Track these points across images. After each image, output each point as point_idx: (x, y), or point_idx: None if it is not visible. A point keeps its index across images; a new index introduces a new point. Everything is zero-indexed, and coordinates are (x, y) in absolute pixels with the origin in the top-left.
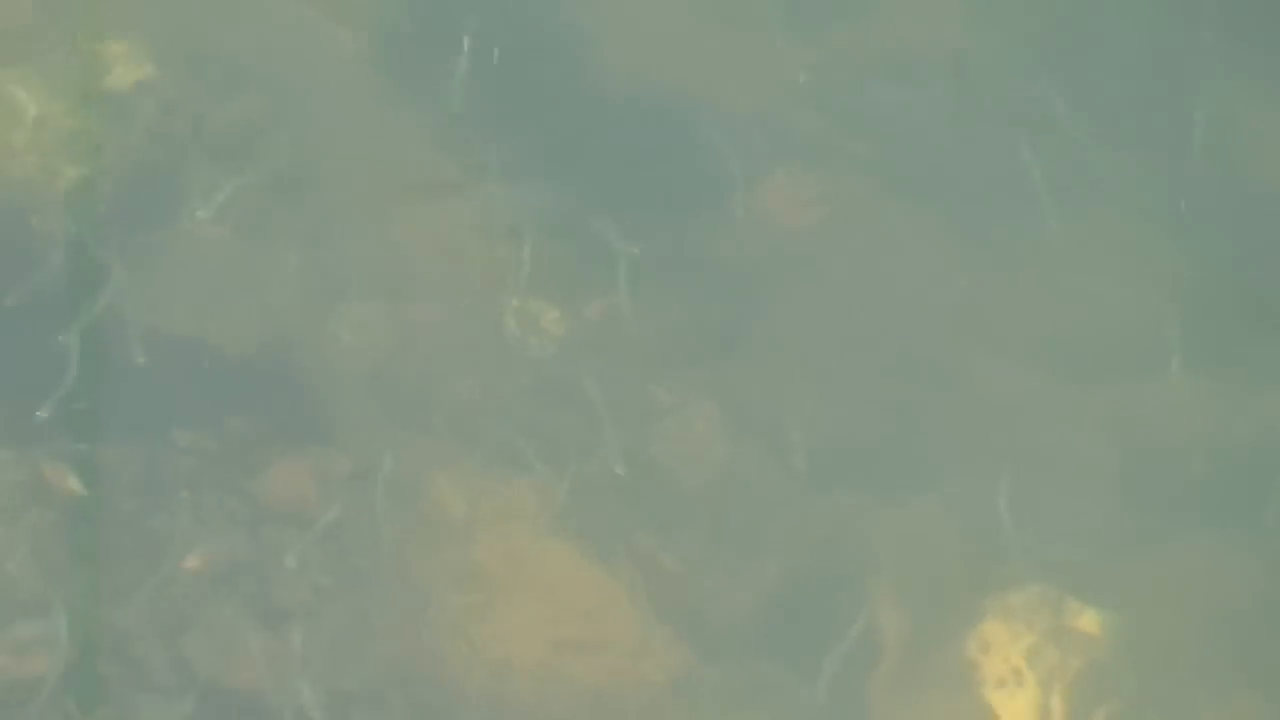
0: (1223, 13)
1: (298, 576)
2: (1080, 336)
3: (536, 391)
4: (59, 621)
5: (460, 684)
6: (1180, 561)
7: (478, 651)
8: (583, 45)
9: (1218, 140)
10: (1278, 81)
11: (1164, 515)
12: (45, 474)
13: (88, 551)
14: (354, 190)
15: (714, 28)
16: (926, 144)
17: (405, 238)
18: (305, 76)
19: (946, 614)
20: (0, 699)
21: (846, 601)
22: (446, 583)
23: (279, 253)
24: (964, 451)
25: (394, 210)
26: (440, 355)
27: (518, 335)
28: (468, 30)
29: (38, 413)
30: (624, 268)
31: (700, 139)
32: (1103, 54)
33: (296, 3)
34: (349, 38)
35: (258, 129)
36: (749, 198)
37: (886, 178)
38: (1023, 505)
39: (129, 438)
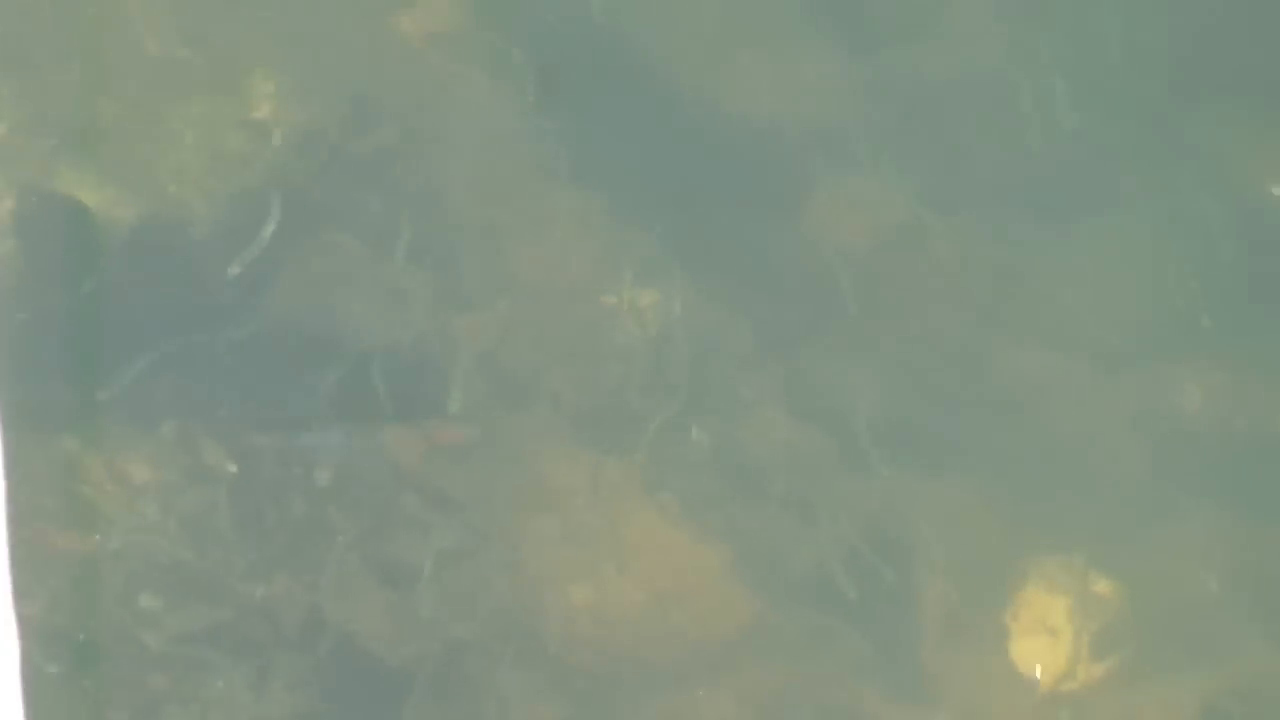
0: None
1: (420, 540)
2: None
3: (628, 378)
4: (211, 583)
5: (563, 633)
6: (1192, 536)
7: (579, 604)
8: (657, 75)
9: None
10: None
11: (1181, 494)
12: (204, 455)
13: (239, 523)
14: (474, 209)
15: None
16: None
17: (517, 247)
18: (431, 112)
19: (986, 579)
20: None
21: (896, 565)
22: (549, 544)
23: (407, 262)
24: (1001, 434)
25: (507, 224)
26: (544, 346)
27: (612, 331)
28: (573, 63)
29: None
30: (699, 275)
31: (757, 156)
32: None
33: (421, 47)
34: (473, 75)
35: (386, 157)
36: (808, 214)
37: (934, 193)
38: (1050, 483)
39: (270, 416)
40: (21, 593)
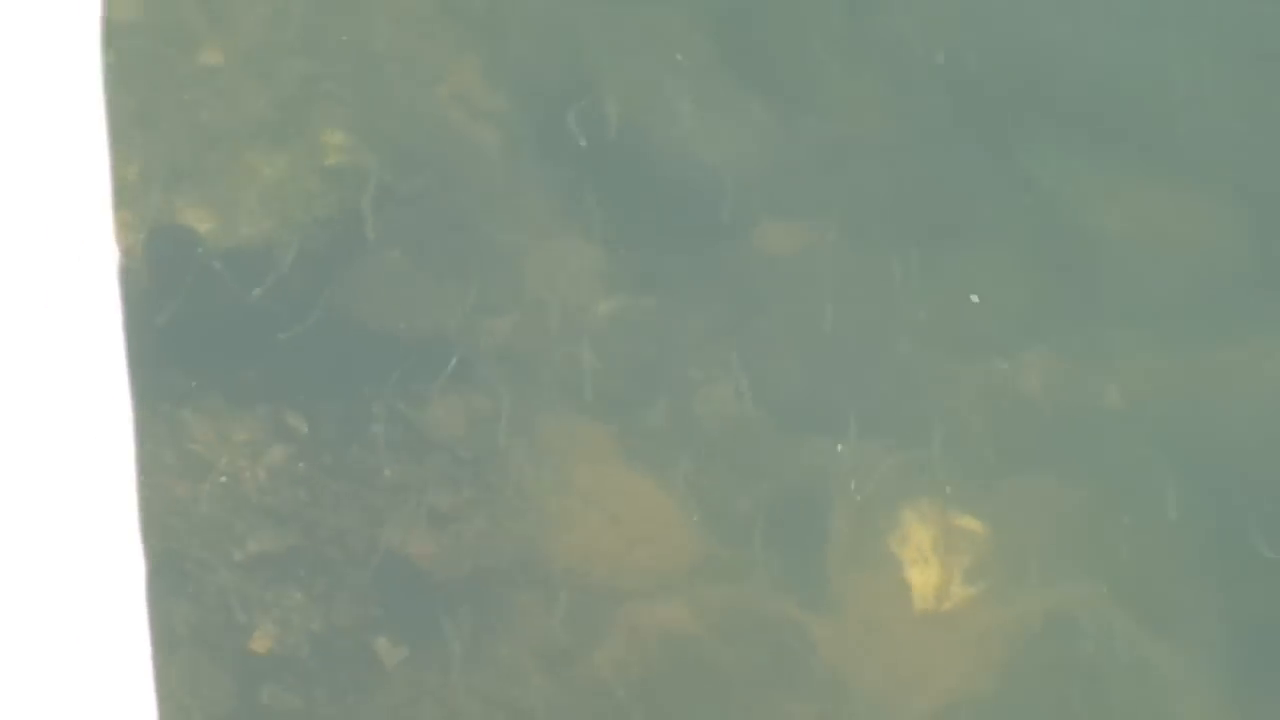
0: None
1: (451, 488)
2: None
3: (609, 363)
4: (290, 516)
5: (558, 563)
6: (1033, 488)
7: (572, 546)
8: (641, 137)
9: None
10: None
11: (1025, 455)
12: (286, 420)
13: (311, 470)
14: (492, 235)
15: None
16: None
17: (526, 264)
18: (462, 160)
19: (876, 518)
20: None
21: (812, 509)
22: (549, 494)
23: (441, 274)
24: (889, 406)
25: (518, 246)
26: (546, 341)
27: (597, 328)
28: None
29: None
30: (664, 286)
31: (709, 197)
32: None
33: (452, 109)
34: (489, 132)
35: (427, 194)
36: (748, 239)
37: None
38: (925, 444)
39: (337, 391)
40: (144, 529)
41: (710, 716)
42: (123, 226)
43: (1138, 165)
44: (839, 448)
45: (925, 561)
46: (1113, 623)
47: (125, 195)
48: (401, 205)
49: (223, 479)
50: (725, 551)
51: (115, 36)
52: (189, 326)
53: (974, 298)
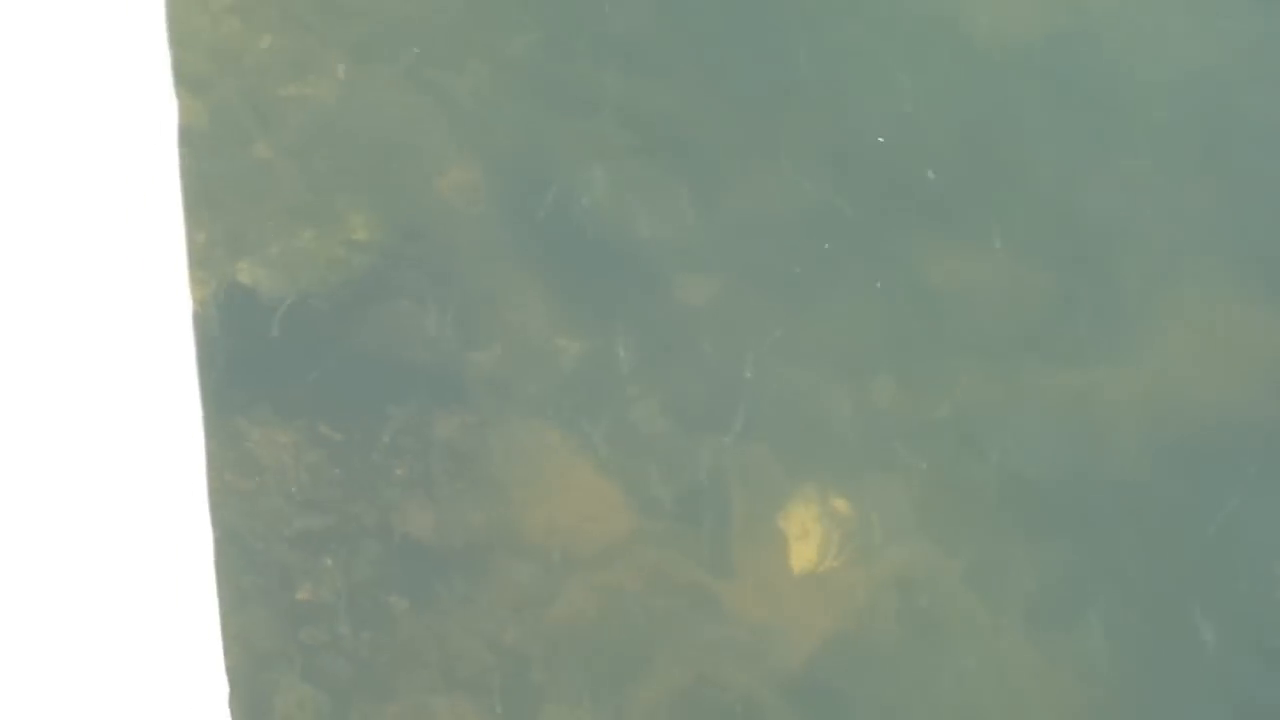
0: None
1: (447, 482)
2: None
3: (566, 386)
4: (323, 502)
5: (529, 540)
6: (892, 479)
7: (538, 523)
8: (588, 219)
9: None
10: None
11: (884, 454)
12: (320, 429)
13: (341, 467)
14: (481, 285)
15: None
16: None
17: (506, 312)
18: (453, 232)
19: (768, 500)
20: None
21: (720, 493)
22: (521, 485)
23: (440, 318)
24: (777, 416)
25: (501, 292)
26: (521, 366)
27: (558, 359)
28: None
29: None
30: (608, 323)
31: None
32: None
33: (451, 195)
34: (484, 212)
35: (426, 258)
36: (668, 290)
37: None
38: (807, 445)
39: (360, 408)
40: (212, 511)
41: (642, 648)
42: (195, 282)
43: (971, 239)
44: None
45: (804, 535)
46: (943, 580)
47: (197, 258)
48: (407, 267)
49: (272, 476)
50: (653, 527)
51: (188, 137)
52: (247, 357)
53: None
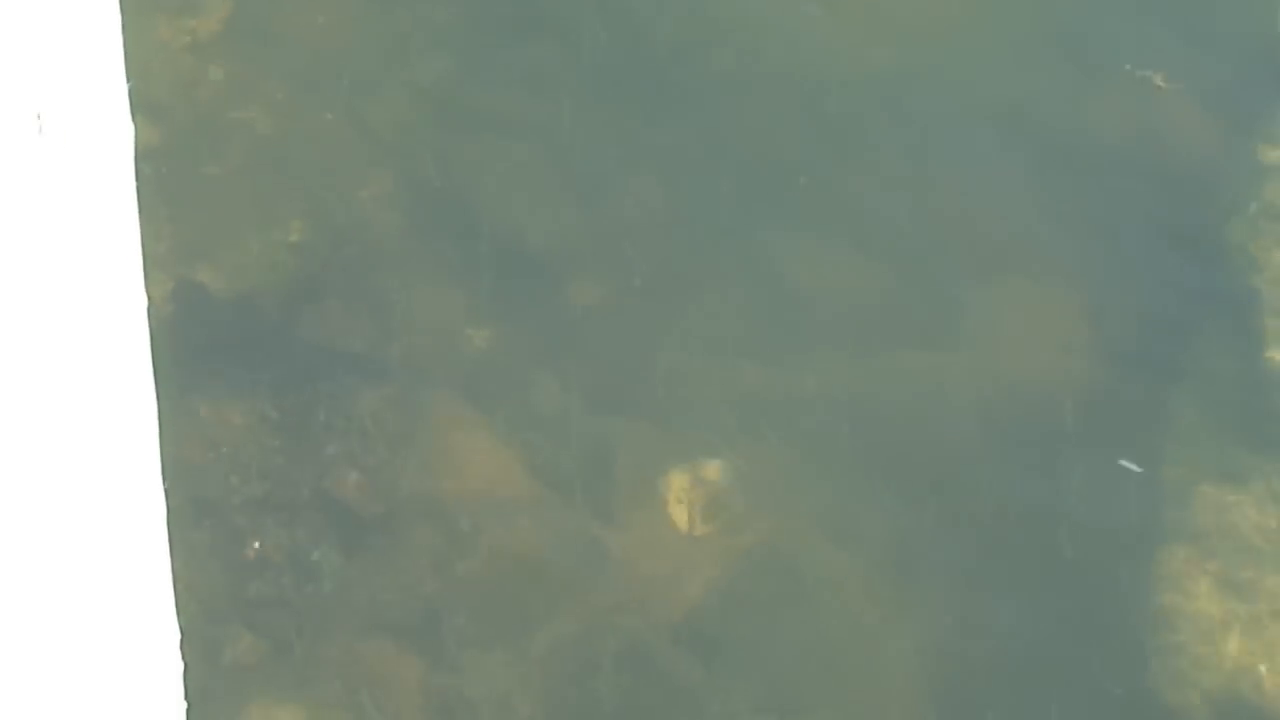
0: None
1: (373, 455)
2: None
3: (477, 371)
4: (269, 479)
5: (445, 504)
6: (766, 449)
7: (453, 490)
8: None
9: None
10: None
11: (754, 428)
12: (265, 408)
13: (285, 440)
14: (399, 289)
15: None
16: None
17: (423, 308)
18: (377, 239)
19: (650, 470)
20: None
21: (609, 463)
22: (438, 457)
23: (371, 314)
24: (665, 398)
25: (417, 296)
26: (437, 353)
27: (467, 346)
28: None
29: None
30: (513, 317)
31: (535, 260)
32: None
33: (371, 204)
34: (396, 220)
35: (354, 262)
36: (565, 291)
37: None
38: (685, 421)
39: (298, 390)
40: (168, 482)
41: (543, 598)
42: (151, 282)
43: (823, 235)
44: None
45: (682, 500)
46: (809, 540)
47: (154, 262)
48: (337, 268)
49: (223, 450)
50: (553, 493)
51: (148, 156)
52: (199, 347)
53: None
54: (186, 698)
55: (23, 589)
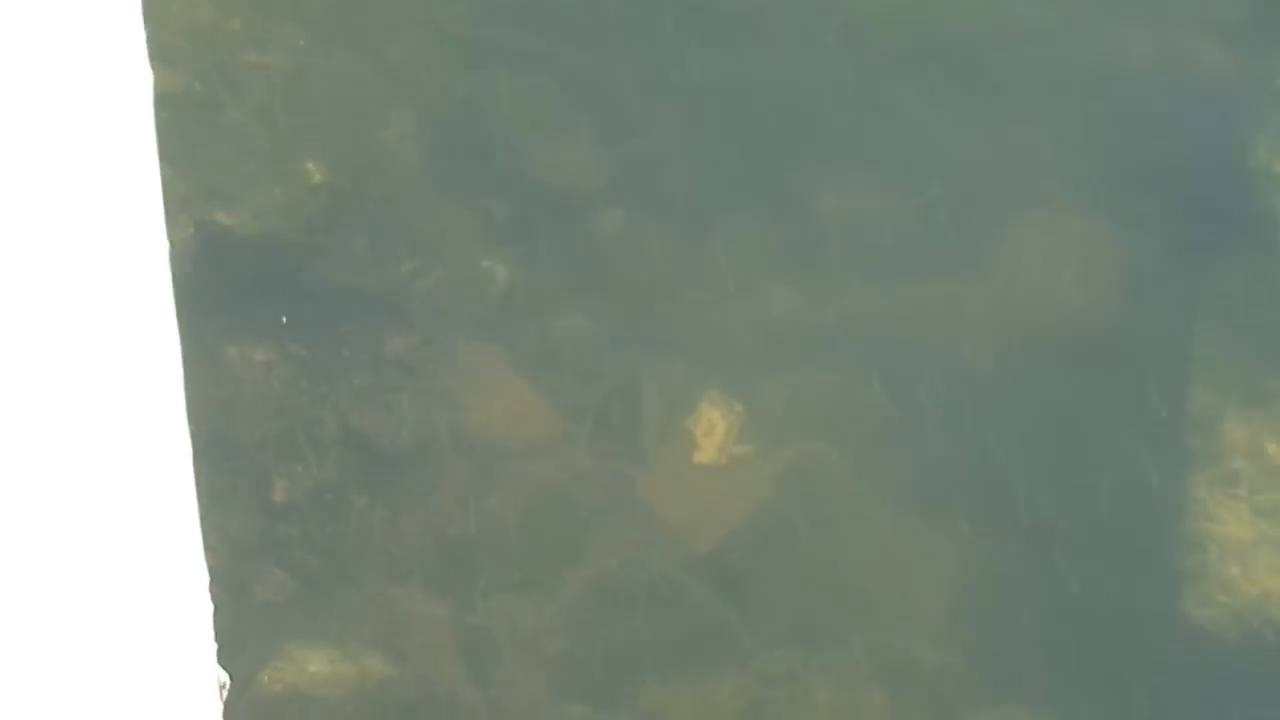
0: None
1: (398, 391)
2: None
3: (500, 304)
4: (294, 418)
5: (469, 440)
6: (783, 386)
7: (477, 425)
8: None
9: None
10: None
11: (776, 364)
12: (289, 346)
13: (307, 377)
14: (421, 226)
15: None
16: None
17: (445, 244)
18: (398, 177)
19: (678, 405)
20: None
21: (635, 398)
22: (462, 392)
23: (388, 252)
24: (687, 332)
25: (440, 232)
26: (459, 289)
27: (489, 281)
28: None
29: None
30: (536, 251)
31: (558, 193)
32: None
33: (391, 144)
34: (417, 158)
35: (376, 201)
36: (594, 222)
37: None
38: (710, 361)
39: (322, 328)
40: (191, 421)
41: (570, 537)
42: (173, 225)
43: (845, 168)
44: None
45: (710, 434)
46: (835, 472)
47: (175, 206)
48: (357, 207)
49: (248, 390)
50: (577, 429)
51: (168, 103)
52: (222, 289)
53: None
54: (216, 639)
55: (47, 533)
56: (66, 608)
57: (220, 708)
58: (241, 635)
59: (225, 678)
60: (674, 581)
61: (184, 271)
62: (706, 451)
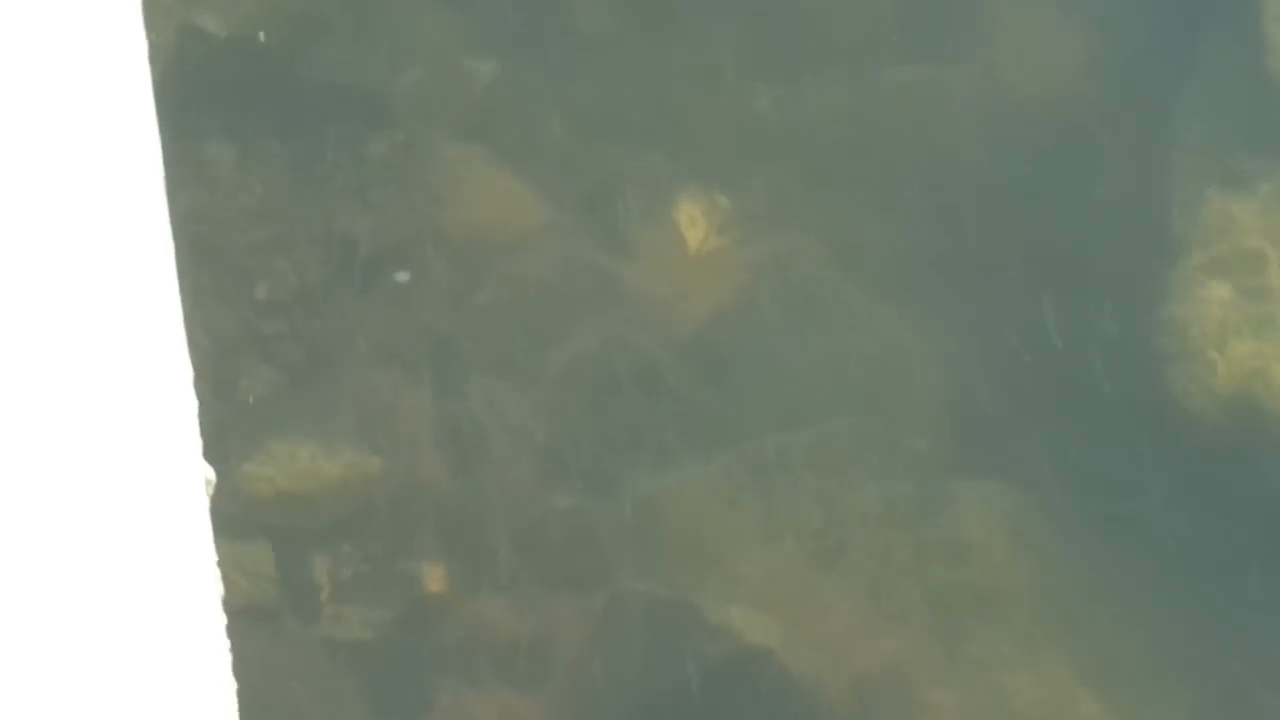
0: None
1: (382, 189)
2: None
3: (482, 102)
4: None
5: (454, 235)
6: (771, 171)
7: (461, 221)
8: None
9: None
10: None
11: (761, 161)
12: (271, 147)
13: (290, 178)
14: (406, 31)
15: None
16: None
17: (427, 44)
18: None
19: (661, 198)
20: None
21: (619, 190)
22: (445, 188)
23: (372, 51)
24: (670, 127)
25: (423, 35)
26: (442, 88)
27: (473, 79)
28: None
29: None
30: (520, 50)
31: None
32: None
33: None
34: None
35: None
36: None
37: None
38: (699, 151)
39: (305, 129)
40: (174, 223)
41: (555, 322)
42: (153, 28)
43: None
44: None
45: (692, 224)
46: (814, 260)
47: (154, 7)
48: (340, 8)
49: (230, 191)
50: (562, 220)
51: None
52: (202, 90)
53: None
54: (202, 435)
55: (26, 332)
56: (44, 408)
57: (207, 504)
58: (226, 432)
59: (211, 474)
60: (659, 364)
61: (164, 73)
62: (689, 240)
